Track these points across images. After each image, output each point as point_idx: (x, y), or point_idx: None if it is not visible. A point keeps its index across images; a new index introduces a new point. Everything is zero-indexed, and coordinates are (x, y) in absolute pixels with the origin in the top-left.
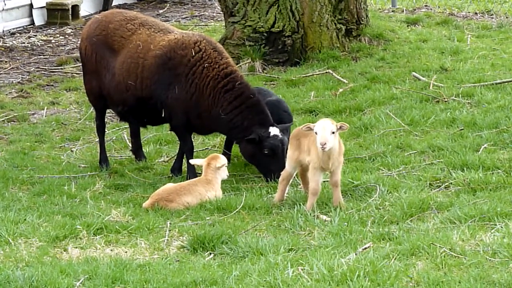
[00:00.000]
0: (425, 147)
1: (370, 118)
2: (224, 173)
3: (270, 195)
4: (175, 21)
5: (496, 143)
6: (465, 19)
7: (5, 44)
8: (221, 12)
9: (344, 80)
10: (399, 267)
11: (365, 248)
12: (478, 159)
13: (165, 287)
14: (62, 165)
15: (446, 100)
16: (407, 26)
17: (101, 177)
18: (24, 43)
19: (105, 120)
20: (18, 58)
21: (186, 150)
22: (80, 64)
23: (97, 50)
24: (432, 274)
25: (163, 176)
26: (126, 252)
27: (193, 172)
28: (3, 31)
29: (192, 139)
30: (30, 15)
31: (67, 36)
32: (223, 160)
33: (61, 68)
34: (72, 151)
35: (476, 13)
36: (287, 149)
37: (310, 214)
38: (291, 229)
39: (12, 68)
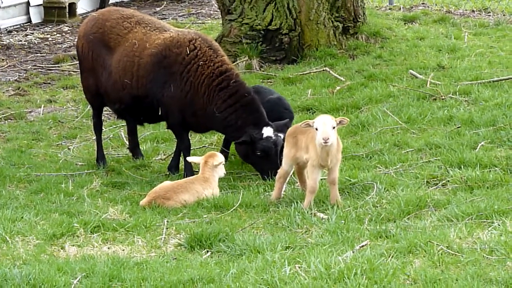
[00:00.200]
0: (422, 145)
1: (367, 116)
2: (221, 171)
3: (267, 193)
4: (172, 19)
5: (493, 140)
6: (462, 16)
7: (2, 42)
8: (218, 10)
9: (341, 78)
10: (396, 265)
11: (362, 246)
12: (475, 156)
13: (162, 285)
14: (59, 163)
15: (443, 97)
16: (404, 24)
17: (98, 175)
18: (21, 41)
19: (102, 118)
20: (15, 56)
21: (183, 148)
22: (77, 62)
23: (93, 48)
24: (429, 271)
25: (160, 174)
26: (123, 250)
27: (190, 170)
28: (0, 29)
29: (189, 137)
30: (27, 13)
31: (64, 34)
32: (220, 158)
33: (58, 66)
34: (69, 149)
35: (473, 11)
36: (283, 147)
37: (307, 212)
38: (288, 227)
39: (9, 66)
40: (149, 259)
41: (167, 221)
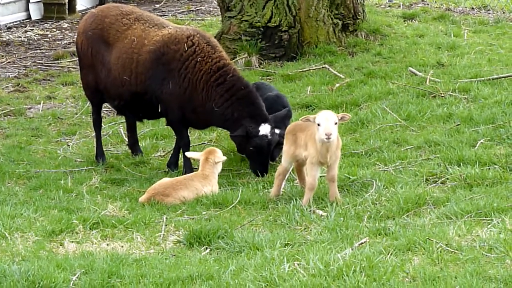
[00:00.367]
0: (421, 142)
1: (366, 113)
2: (219, 167)
3: (266, 190)
4: (171, 15)
5: (493, 138)
6: (461, 14)
7: (1, 39)
8: (218, 7)
9: (341, 75)
10: (395, 262)
11: (361, 243)
12: (474, 154)
13: (161, 281)
14: (58, 160)
15: (442, 95)
16: (404, 21)
17: (97, 171)
18: (20, 37)
19: (102, 115)
20: (15, 52)
21: (183, 145)
22: (77, 58)
23: (93, 44)
24: (428, 269)
25: (159, 171)
26: (122, 246)
27: (189, 167)
28: None
29: (189, 134)
30: (27, 9)
31: (63, 30)
32: (221, 155)
33: (58, 63)
34: (68, 145)
35: (472, 8)
36: (279, 142)
37: (306, 209)
38: (287, 224)
39: (8, 62)
40: (148, 256)
41: (166, 218)
